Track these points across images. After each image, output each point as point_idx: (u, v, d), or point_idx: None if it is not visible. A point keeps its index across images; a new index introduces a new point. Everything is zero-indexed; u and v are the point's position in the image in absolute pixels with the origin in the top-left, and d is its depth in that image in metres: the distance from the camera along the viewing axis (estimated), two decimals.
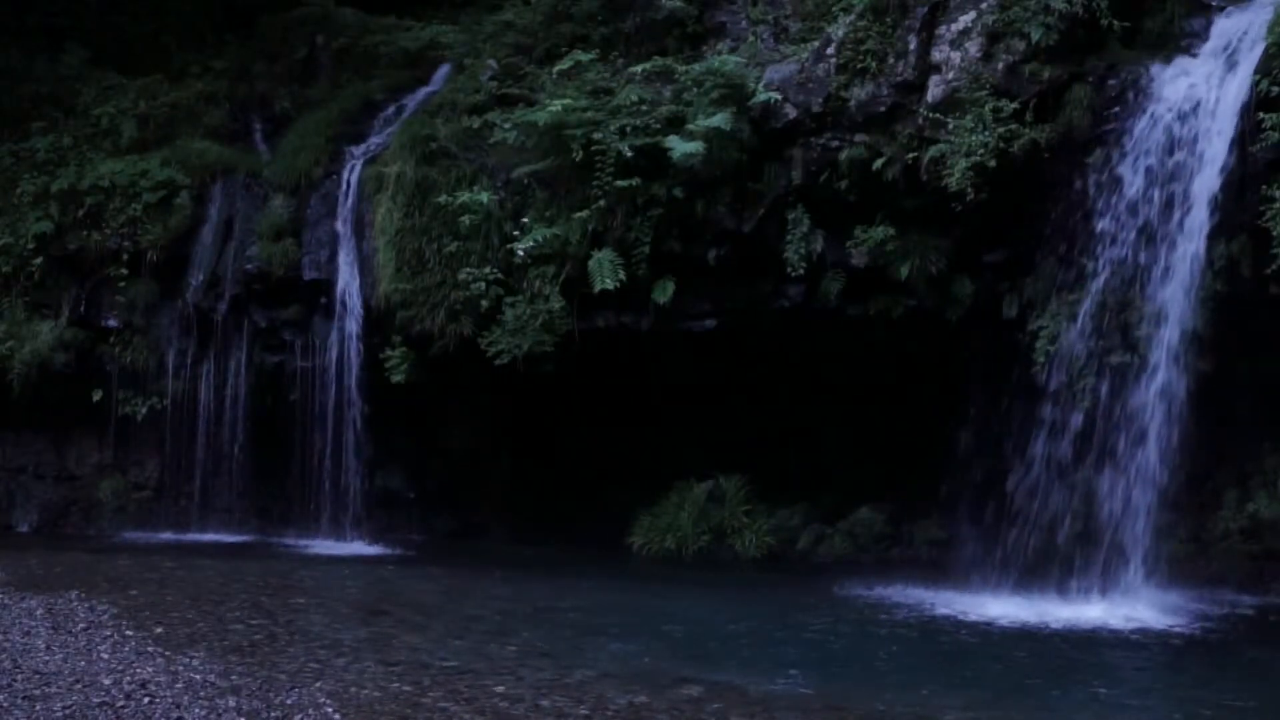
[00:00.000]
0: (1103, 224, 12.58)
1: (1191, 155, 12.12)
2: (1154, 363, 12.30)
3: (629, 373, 15.56)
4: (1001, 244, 13.74)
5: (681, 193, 14.24)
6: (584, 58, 15.66)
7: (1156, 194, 12.30)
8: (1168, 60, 12.61)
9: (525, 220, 15.04)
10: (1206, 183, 11.95)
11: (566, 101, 14.63)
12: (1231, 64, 12.11)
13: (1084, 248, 12.75)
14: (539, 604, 12.06)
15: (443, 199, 15.33)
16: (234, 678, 8.54)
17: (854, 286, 14.41)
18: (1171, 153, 12.24)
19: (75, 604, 11.03)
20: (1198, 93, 12.21)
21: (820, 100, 13.87)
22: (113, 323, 17.05)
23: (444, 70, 17.58)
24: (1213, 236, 12.02)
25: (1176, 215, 12.22)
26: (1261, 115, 11.55)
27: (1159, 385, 12.26)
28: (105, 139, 17.62)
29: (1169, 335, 12.21)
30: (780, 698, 8.53)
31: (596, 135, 14.36)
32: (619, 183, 14.23)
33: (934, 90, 13.23)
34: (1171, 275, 12.22)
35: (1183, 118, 12.20)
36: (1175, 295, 12.19)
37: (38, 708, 7.67)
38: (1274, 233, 11.48)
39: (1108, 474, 12.49)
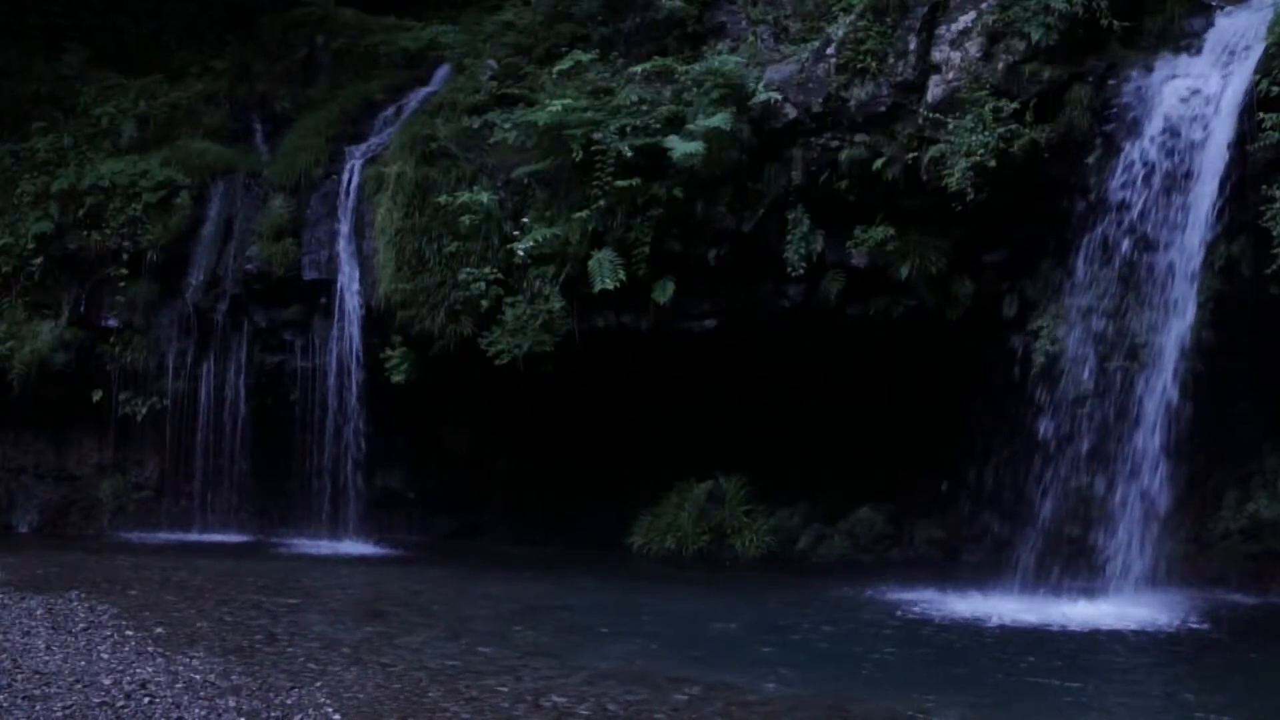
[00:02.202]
0: (1103, 224, 12.58)
1: (1191, 156, 12.11)
2: (1154, 363, 12.29)
3: (629, 373, 15.55)
4: (1001, 244, 13.74)
5: (681, 193, 14.24)
6: (584, 58, 15.67)
7: (1154, 194, 12.30)
8: (1168, 60, 12.61)
9: (525, 220, 15.05)
10: (1206, 183, 11.94)
11: (566, 101, 14.63)
12: (1231, 64, 12.10)
13: (1084, 247, 12.75)
14: (539, 604, 12.06)
15: (443, 199, 15.34)
16: (234, 678, 8.54)
17: (854, 286, 14.41)
18: (1171, 154, 12.23)
19: (75, 604, 11.03)
20: (1197, 92, 12.20)
21: (820, 100, 13.87)
22: (113, 323, 17.06)
23: (444, 70, 17.59)
24: (1212, 236, 12.02)
25: (1176, 215, 12.22)
26: (1261, 115, 11.55)
27: (1159, 385, 12.25)
28: (105, 139, 17.64)
29: (1169, 335, 12.21)
30: (780, 698, 8.53)
31: (596, 135, 14.37)
32: (619, 183, 14.24)
33: (934, 90, 13.23)
34: (1172, 275, 12.21)
35: (1182, 118, 12.19)
36: (1175, 295, 12.18)
37: (38, 708, 7.67)
38: (1274, 233, 11.48)
39: (1107, 474, 12.49)
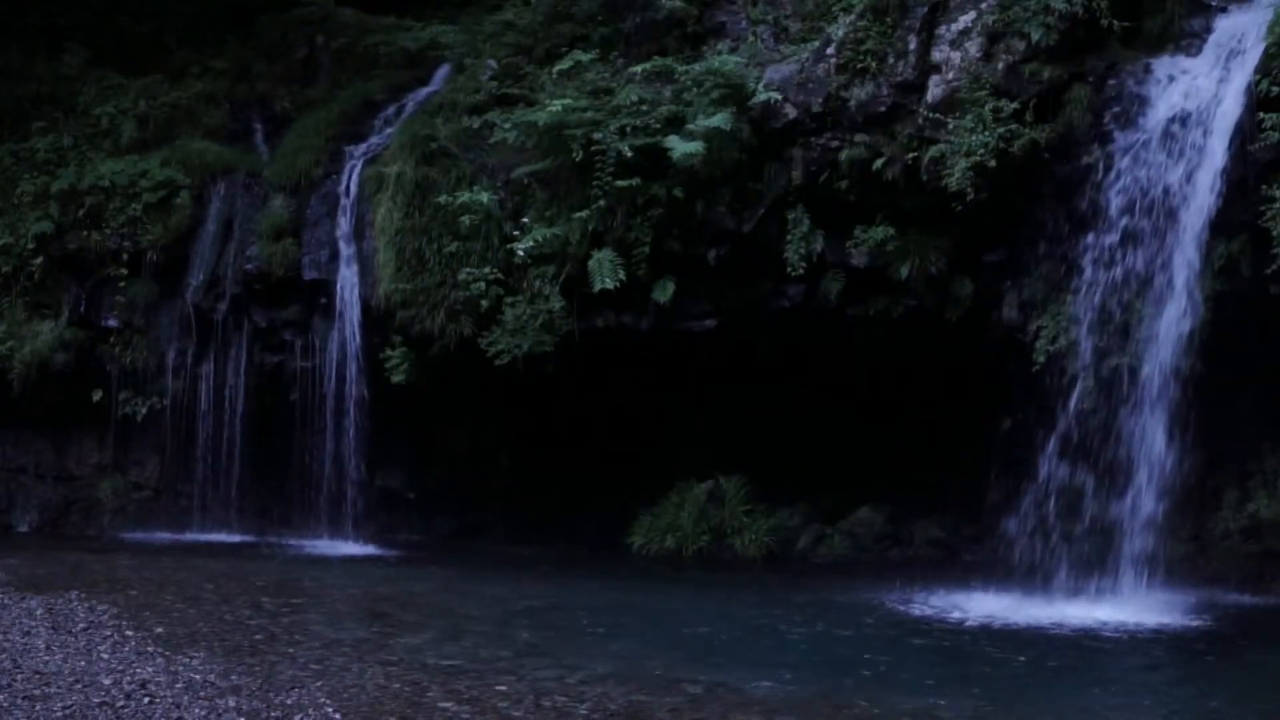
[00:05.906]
0: (1102, 224, 12.59)
1: (1191, 155, 12.12)
2: (1154, 363, 12.30)
3: (629, 373, 15.56)
4: (1001, 244, 13.74)
5: (681, 193, 14.24)
6: (584, 58, 15.66)
7: (1154, 194, 12.31)
8: (1168, 60, 12.61)
9: (525, 220, 15.05)
10: (1206, 182, 11.94)
11: (566, 101, 14.63)
12: (1231, 64, 12.11)
13: (1084, 247, 12.75)
14: (538, 604, 12.06)
15: (443, 199, 15.34)
16: (234, 678, 8.54)
17: (854, 286, 14.42)
18: (1171, 153, 12.24)
19: (75, 604, 11.03)
20: (1197, 92, 12.21)
21: (820, 100, 13.87)
22: (113, 323, 17.04)
23: (444, 70, 17.58)
24: (1212, 236, 12.03)
25: (1176, 215, 12.22)
26: (1261, 115, 11.56)
27: (1159, 385, 12.26)
28: (105, 139, 17.62)
29: (1169, 335, 12.21)
30: (780, 698, 8.53)
31: (596, 135, 14.37)
32: (619, 183, 14.24)
33: (934, 90, 13.23)
34: (1172, 275, 12.22)
35: (1182, 118, 12.19)
36: (1175, 295, 12.19)
37: (38, 708, 7.67)
38: (1274, 233, 11.50)
39: (1107, 474, 12.50)
